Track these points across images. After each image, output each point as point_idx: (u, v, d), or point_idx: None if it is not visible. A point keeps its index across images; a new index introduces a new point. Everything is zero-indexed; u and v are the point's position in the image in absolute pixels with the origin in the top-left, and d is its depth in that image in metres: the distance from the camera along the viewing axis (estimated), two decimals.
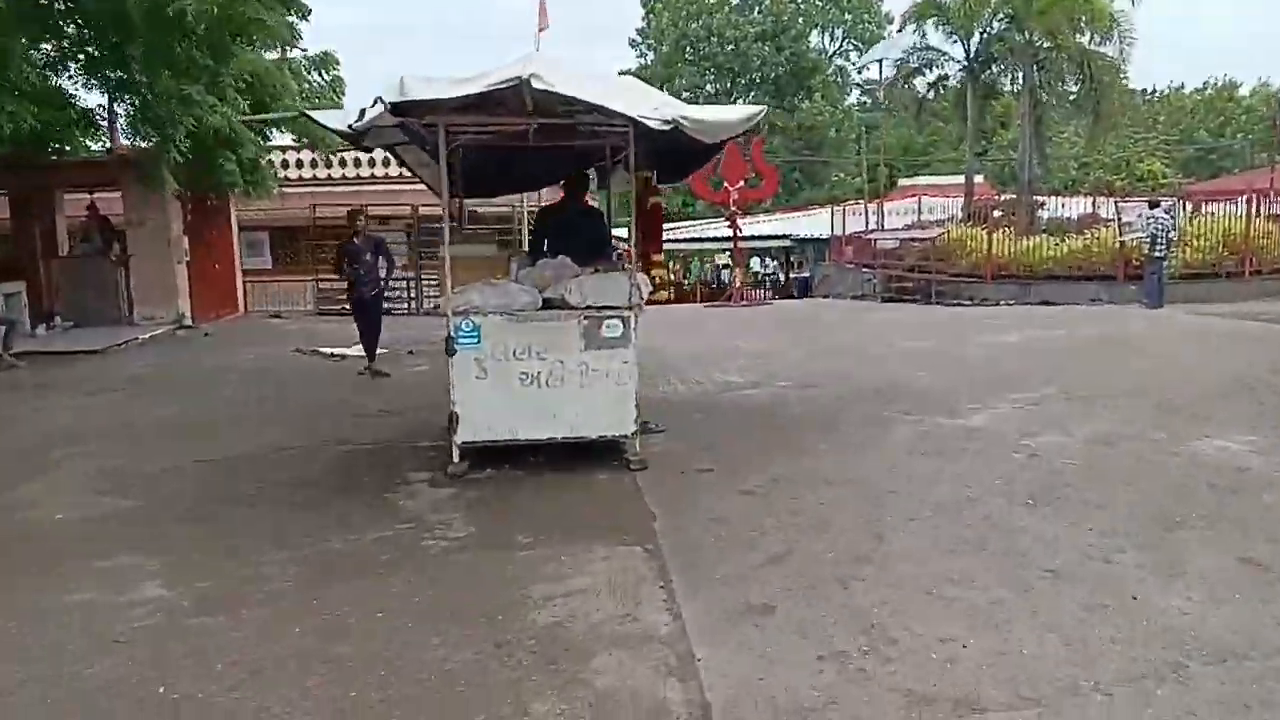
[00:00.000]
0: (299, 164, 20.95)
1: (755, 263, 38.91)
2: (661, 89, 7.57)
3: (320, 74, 17.30)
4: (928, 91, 26.62)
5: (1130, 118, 35.44)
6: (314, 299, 19.54)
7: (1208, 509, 5.06)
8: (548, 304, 6.33)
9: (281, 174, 20.86)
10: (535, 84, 5.01)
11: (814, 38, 53.55)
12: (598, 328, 6.18)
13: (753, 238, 29.99)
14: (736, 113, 6.29)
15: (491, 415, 6.15)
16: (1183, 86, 54.30)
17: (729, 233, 21.63)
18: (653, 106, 5.57)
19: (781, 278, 34.65)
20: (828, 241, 26.28)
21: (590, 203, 8.13)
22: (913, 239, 20.78)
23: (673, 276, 37.27)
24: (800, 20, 51.73)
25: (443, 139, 6.01)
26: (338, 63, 17.17)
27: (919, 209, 24.71)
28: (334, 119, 6.35)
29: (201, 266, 17.59)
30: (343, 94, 17.07)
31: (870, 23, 51.93)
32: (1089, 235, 18.18)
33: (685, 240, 30.58)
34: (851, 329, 14.69)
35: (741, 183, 20.46)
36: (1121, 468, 5.92)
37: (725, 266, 29.79)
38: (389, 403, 9.02)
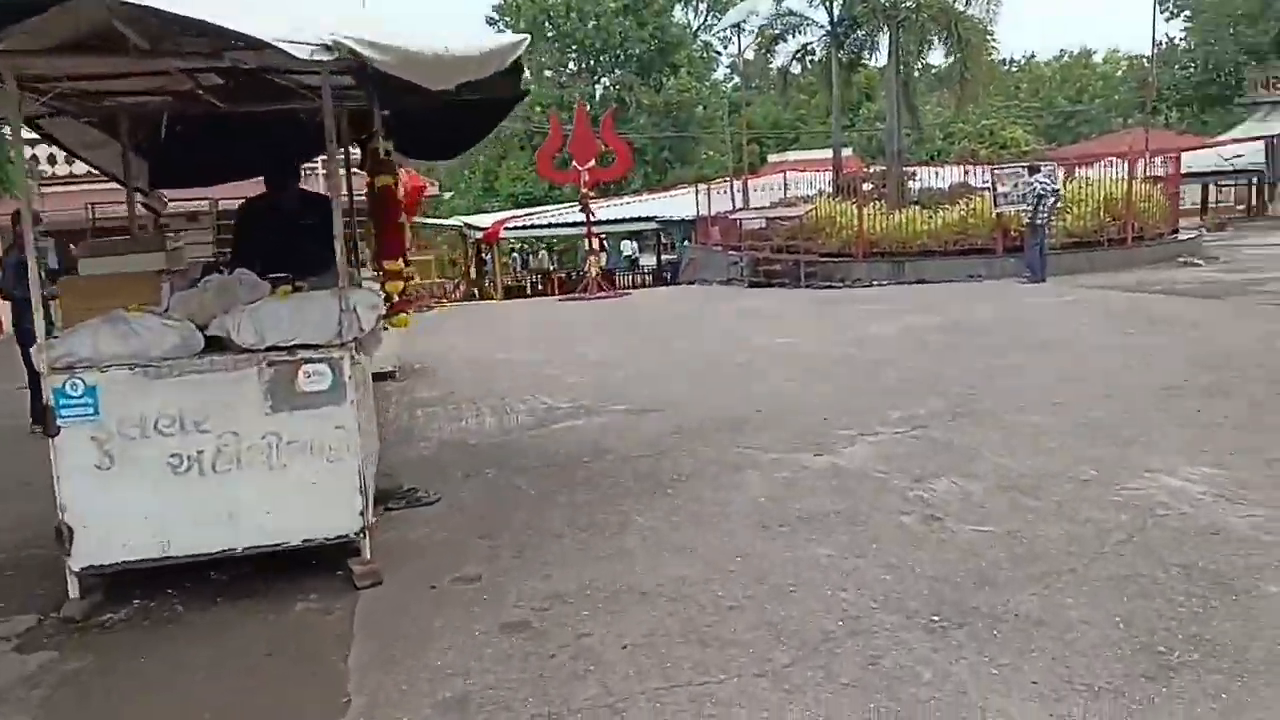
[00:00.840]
0: (69, 159, 17.73)
1: (625, 246, 37.15)
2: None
3: None
4: (791, 61, 25.17)
5: (994, 86, 35.02)
6: None
7: (1196, 622, 3.35)
8: (214, 345, 4.18)
9: (49, 170, 17.75)
10: None
11: (677, 12, 51.87)
12: (291, 379, 4.08)
13: (614, 221, 28.05)
14: (481, 43, 4.19)
15: (127, 523, 3.99)
16: (1033, 56, 55.18)
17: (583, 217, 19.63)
18: (332, 29, 3.45)
19: (651, 262, 32.92)
20: (695, 223, 24.59)
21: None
22: (780, 218, 19.16)
23: (513, 272, 34.94)
24: None
25: (13, 91, 3.79)
26: None
27: (784, 185, 23.16)
28: None
29: None
30: None
31: None
32: (963, 205, 16.89)
33: (542, 227, 28.36)
34: (711, 324, 12.90)
35: (592, 161, 18.48)
36: (1053, 538, 4.19)
37: (599, 251, 27.62)
38: None
